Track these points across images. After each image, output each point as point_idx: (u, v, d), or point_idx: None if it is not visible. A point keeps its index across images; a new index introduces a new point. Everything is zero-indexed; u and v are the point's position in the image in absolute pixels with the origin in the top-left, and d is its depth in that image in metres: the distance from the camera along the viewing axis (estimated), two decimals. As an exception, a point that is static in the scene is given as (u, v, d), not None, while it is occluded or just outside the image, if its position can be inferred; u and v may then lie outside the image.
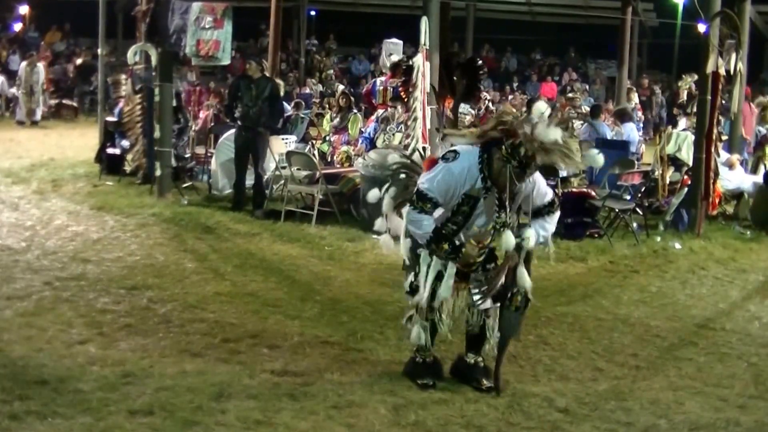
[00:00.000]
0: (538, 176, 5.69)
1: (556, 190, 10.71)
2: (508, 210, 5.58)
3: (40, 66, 22.97)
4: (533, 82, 30.55)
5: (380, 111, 12.90)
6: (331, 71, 29.05)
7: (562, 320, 7.51)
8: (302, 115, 16.21)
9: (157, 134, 12.09)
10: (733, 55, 11.27)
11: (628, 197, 11.51)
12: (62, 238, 9.60)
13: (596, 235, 10.84)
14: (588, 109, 20.13)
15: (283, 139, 13.48)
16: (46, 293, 7.47)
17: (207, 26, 11.58)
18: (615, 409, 5.61)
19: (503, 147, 5.37)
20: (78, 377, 5.60)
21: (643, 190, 11.65)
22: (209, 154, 13.49)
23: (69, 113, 24.39)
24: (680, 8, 28.33)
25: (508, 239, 5.50)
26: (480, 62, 5.72)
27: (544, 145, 5.25)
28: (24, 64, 22.93)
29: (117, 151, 13.94)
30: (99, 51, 17.86)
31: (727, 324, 7.67)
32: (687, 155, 12.27)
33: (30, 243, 9.28)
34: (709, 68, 11.07)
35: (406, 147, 10.23)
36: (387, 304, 7.53)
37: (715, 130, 11.18)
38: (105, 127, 15.12)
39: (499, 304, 5.81)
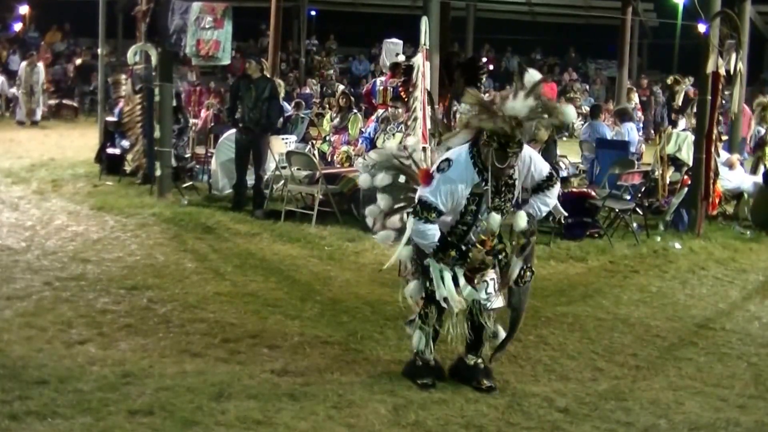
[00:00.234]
0: (533, 153, 5.74)
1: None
2: (507, 194, 5.61)
3: (40, 66, 22.96)
4: (533, 82, 30.46)
5: (380, 111, 12.90)
6: (332, 71, 29.09)
7: (562, 320, 7.51)
8: (302, 115, 16.21)
9: (157, 134, 12.08)
10: (733, 55, 11.26)
11: (628, 197, 11.51)
12: (62, 238, 9.60)
13: (596, 235, 10.83)
14: (588, 109, 20.18)
15: (283, 139, 13.49)
16: (46, 293, 7.47)
17: (207, 26, 11.57)
18: (615, 409, 5.61)
19: (485, 134, 5.39)
20: (78, 377, 5.60)
21: (643, 190, 11.66)
22: (209, 154, 13.49)
23: (69, 113, 24.40)
24: (680, 8, 28.33)
25: (494, 221, 5.59)
26: (485, 60, 5.70)
27: (518, 119, 5.27)
28: (24, 64, 22.93)
29: (117, 151, 13.94)
30: (99, 51, 17.86)
31: (727, 324, 7.67)
32: (687, 155, 12.27)
33: (30, 243, 9.28)
34: (709, 68, 11.06)
35: (406, 147, 10.23)
36: (387, 304, 7.52)
37: (715, 130, 11.17)
38: (105, 127, 15.12)
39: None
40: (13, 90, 23.12)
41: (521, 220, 5.62)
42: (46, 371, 5.67)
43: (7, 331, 6.45)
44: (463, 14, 27.37)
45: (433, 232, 5.52)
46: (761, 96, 17.30)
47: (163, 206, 11.33)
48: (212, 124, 15.45)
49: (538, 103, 5.31)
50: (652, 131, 24.81)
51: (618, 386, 6.04)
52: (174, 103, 12.95)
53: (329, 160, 13.39)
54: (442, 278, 5.62)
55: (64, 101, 24.79)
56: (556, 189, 5.85)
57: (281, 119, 13.75)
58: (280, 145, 12.69)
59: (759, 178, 12.69)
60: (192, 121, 15.39)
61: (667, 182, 12.42)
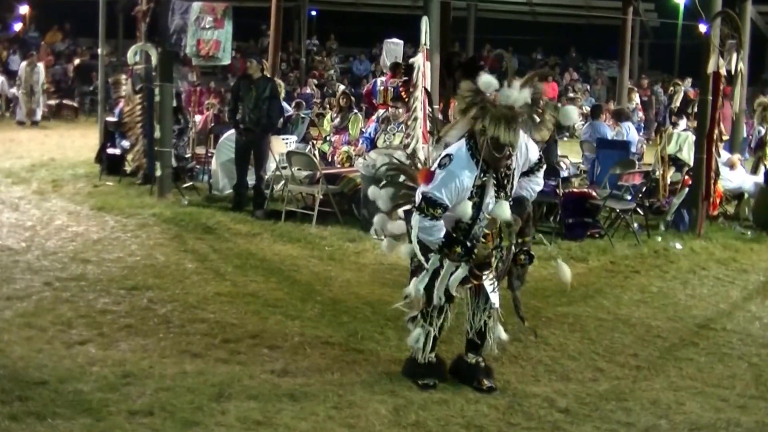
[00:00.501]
0: (528, 140, 5.73)
1: (557, 191, 10.72)
2: (508, 186, 5.63)
3: (40, 66, 22.95)
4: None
5: (381, 111, 12.90)
6: (332, 71, 29.10)
7: (562, 320, 7.50)
8: (303, 115, 16.21)
9: (157, 134, 12.08)
10: (734, 56, 11.25)
11: (629, 197, 11.50)
12: (62, 238, 9.59)
13: (597, 236, 10.83)
14: (589, 109, 20.17)
15: (283, 139, 13.48)
16: (46, 294, 7.47)
17: (207, 26, 11.56)
18: (616, 409, 5.61)
19: (481, 126, 5.39)
20: (78, 378, 5.60)
21: (643, 190, 11.65)
22: (209, 155, 13.48)
23: (69, 113, 24.39)
24: (681, 8, 28.34)
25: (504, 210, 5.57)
26: (505, 54, 5.62)
27: (511, 109, 5.30)
28: (24, 64, 22.91)
29: (117, 151, 13.93)
30: (99, 51, 17.85)
31: (727, 324, 7.67)
32: (688, 155, 12.27)
33: (30, 243, 9.27)
34: (710, 68, 11.06)
35: (407, 147, 10.24)
36: (388, 305, 7.48)
37: (715, 131, 11.17)
38: (105, 127, 15.12)
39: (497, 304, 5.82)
40: (13, 90, 23.10)
41: (505, 211, 5.58)
42: (46, 371, 5.66)
43: (7, 331, 6.45)
44: (463, 14, 27.42)
45: (439, 228, 5.51)
46: (762, 96, 17.30)
47: (164, 206, 11.32)
48: (212, 125, 15.44)
49: (534, 93, 5.34)
50: (653, 131, 24.79)
51: (619, 386, 6.04)
52: (174, 104, 12.94)
53: (330, 160, 13.39)
54: (449, 273, 5.61)
55: (65, 101, 24.77)
56: (543, 170, 5.92)
57: (282, 119, 13.75)
58: (281, 145, 12.68)
59: (760, 179, 12.69)
60: (198, 117, 15.40)
61: (668, 182, 12.42)
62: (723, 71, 11.11)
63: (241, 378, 5.75)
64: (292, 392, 5.55)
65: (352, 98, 15.31)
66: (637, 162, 13.54)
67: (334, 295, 7.97)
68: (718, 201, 11.81)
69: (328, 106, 18.83)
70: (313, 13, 32.64)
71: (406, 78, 11.72)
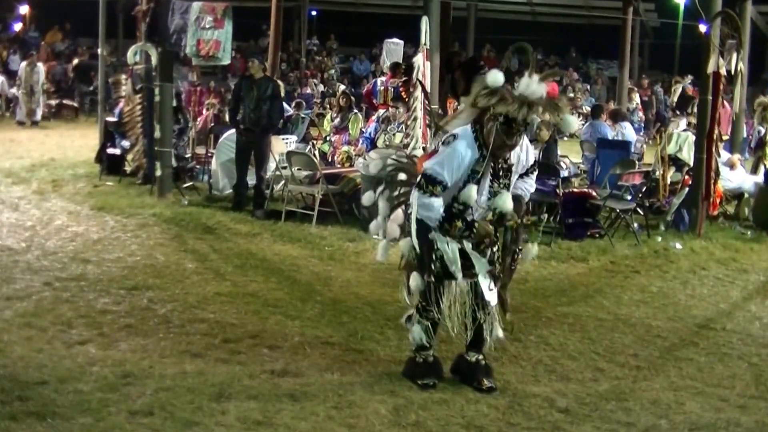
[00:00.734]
0: (528, 143, 5.84)
1: (558, 191, 10.72)
2: (504, 179, 5.64)
3: (40, 66, 22.94)
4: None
5: (381, 111, 12.90)
6: (333, 71, 29.09)
7: (563, 320, 7.50)
8: (303, 115, 16.21)
9: (157, 134, 12.07)
10: (734, 56, 11.26)
11: (629, 197, 11.50)
12: (62, 238, 9.59)
13: (597, 236, 10.82)
14: (589, 109, 20.17)
15: (283, 139, 13.48)
16: (46, 294, 7.47)
17: (207, 26, 11.56)
18: (616, 409, 5.61)
19: (490, 108, 5.43)
20: (78, 378, 5.59)
21: (644, 190, 11.65)
22: (209, 155, 13.48)
23: (70, 113, 24.39)
24: (681, 8, 28.34)
25: (506, 201, 5.61)
26: (531, 50, 5.63)
27: (527, 99, 5.35)
28: (24, 64, 22.89)
29: (117, 151, 13.92)
30: (99, 51, 17.85)
31: (727, 324, 7.67)
32: (688, 155, 12.27)
33: (30, 243, 9.27)
34: (710, 68, 11.06)
35: (407, 147, 10.25)
36: (388, 305, 7.51)
37: (715, 131, 11.17)
38: (105, 127, 15.12)
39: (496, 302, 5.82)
40: (13, 90, 23.09)
41: (508, 201, 5.63)
42: (46, 371, 5.66)
43: (7, 331, 6.44)
44: (464, 14, 27.43)
45: (439, 204, 5.51)
46: (762, 96, 17.31)
47: (164, 206, 11.32)
48: (212, 125, 15.44)
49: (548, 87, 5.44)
50: (653, 131, 24.79)
51: (619, 386, 6.04)
52: (174, 104, 12.94)
53: (330, 160, 13.40)
54: (449, 250, 5.60)
55: (65, 101, 24.77)
56: (535, 174, 6.00)
57: (282, 120, 13.77)
58: (281, 145, 12.69)
59: (760, 178, 12.69)
60: (204, 113, 15.41)
61: (668, 182, 12.41)
62: (723, 71, 11.11)
63: (241, 378, 5.75)
64: (292, 392, 5.55)
65: (352, 98, 15.31)
66: (637, 162, 13.54)
67: (334, 295, 7.97)
68: (718, 201, 11.81)
69: (328, 106, 18.83)
70: (314, 13, 32.65)
71: (405, 78, 11.72)
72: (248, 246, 9.72)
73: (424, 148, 9.76)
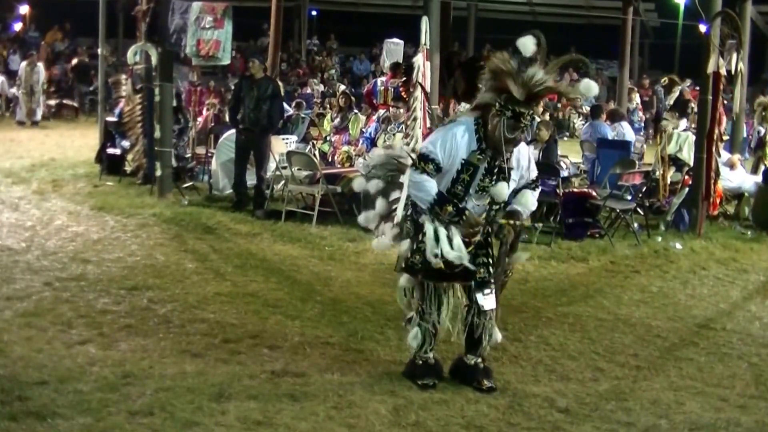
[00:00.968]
0: (532, 156, 5.87)
1: (558, 191, 10.72)
2: (498, 177, 5.62)
3: (40, 66, 22.93)
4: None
5: (381, 111, 12.90)
6: (333, 70, 29.09)
7: (563, 320, 7.50)
8: (303, 115, 16.21)
9: (157, 134, 12.07)
10: (734, 56, 11.26)
11: (629, 197, 11.51)
12: (62, 238, 9.59)
13: (597, 236, 10.83)
14: (589, 109, 20.17)
15: (283, 139, 13.48)
16: (46, 294, 7.46)
17: (207, 26, 11.56)
18: (616, 409, 5.61)
19: (497, 102, 5.45)
20: (78, 378, 5.59)
21: (644, 190, 11.65)
22: (210, 154, 13.48)
23: (70, 113, 24.39)
24: (681, 8, 28.34)
25: (502, 190, 5.61)
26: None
27: (537, 88, 5.40)
28: (24, 64, 22.89)
29: (117, 151, 13.93)
30: (99, 51, 17.85)
31: (727, 324, 7.67)
32: (688, 155, 12.27)
33: (30, 243, 9.27)
34: (710, 68, 11.05)
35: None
36: (388, 305, 7.51)
37: (716, 131, 11.17)
38: (105, 127, 15.12)
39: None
40: (13, 90, 23.09)
41: (504, 190, 5.63)
42: (46, 372, 5.66)
43: (7, 331, 6.44)
44: (464, 14, 27.44)
45: (431, 185, 5.53)
46: (762, 96, 17.32)
47: (164, 206, 11.32)
48: (212, 124, 15.44)
49: (555, 79, 5.51)
50: (653, 131, 24.80)
51: (619, 386, 6.04)
52: (174, 103, 12.94)
53: (330, 160, 13.40)
54: (437, 236, 5.59)
55: (65, 101, 24.76)
56: (537, 192, 5.93)
57: (282, 120, 13.76)
58: (281, 145, 12.69)
59: (760, 178, 12.69)
60: (204, 113, 15.41)
61: (668, 182, 12.41)
62: (723, 71, 11.11)
63: (241, 378, 5.75)
64: (292, 392, 5.55)
65: (352, 98, 15.31)
66: (637, 162, 13.54)
67: (334, 295, 7.97)
68: (718, 201, 11.81)
69: (328, 106, 18.83)
70: (314, 12, 32.66)
71: (405, 78, 11.72)
72: (248, 246, 9.72)
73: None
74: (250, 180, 11.78)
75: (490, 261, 5.82)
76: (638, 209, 11.52)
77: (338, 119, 14.30)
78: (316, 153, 13.45)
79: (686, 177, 12.00)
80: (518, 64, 5.47)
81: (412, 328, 5.90)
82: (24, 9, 29.72)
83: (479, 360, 5.91)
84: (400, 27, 24.74)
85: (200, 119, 15.57)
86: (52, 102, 24.16)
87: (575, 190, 11.60)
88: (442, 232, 5.58)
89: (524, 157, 5.75)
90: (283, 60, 26.72)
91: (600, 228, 10.94)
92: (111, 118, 14.93)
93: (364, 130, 13.32)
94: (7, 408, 5.07)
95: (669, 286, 8.91)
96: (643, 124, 23.30)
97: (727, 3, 11.91)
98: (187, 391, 5.44)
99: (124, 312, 7.07)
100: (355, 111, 14.52)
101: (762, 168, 13.34)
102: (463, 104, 6.68)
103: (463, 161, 5.55)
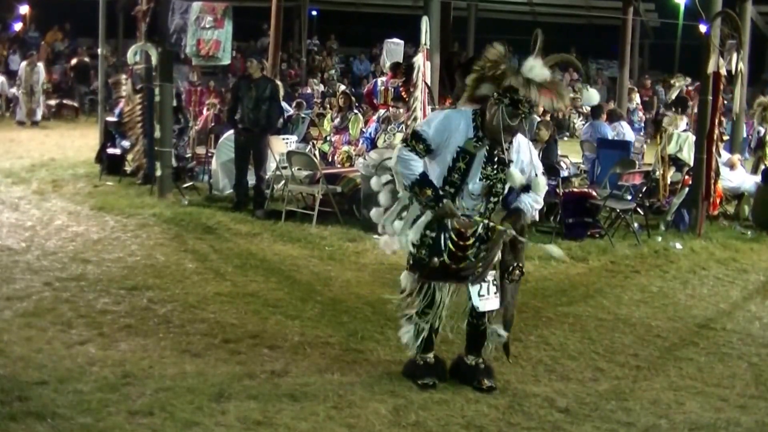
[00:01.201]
0: (534, 152, 5.85)
1: (558, 190, 10.72)
2: (499, 173, 5.62)
3: (40, 66, 22.93)
4: (535, 82, 30.52)
5: (381, 111, 12.90)
6: (333, 70, 29.08)
7: (563, 320, 7.50)
8: (303, 115, 16.21)
9: (157, 134, 12.07)
10: (734, 56, 11.26)
11: (629, 197, 11.51)
12: (62, 238, 9.59)
13: (597, 235, 10.83)
14: (589, 109, 20.16)
15: (283, 139, 13.48)
16: (46, 294, 7.46)
17: (207, 26, 11.55)
18: (616, 409, 5.61)
19: (495, 93, 5.49)
20: (78, 378, 5.59)
21: (644, 190, 11.65)
22: (210, 154, 13.48)
23: (70, 113, 24.39)
24: (681, 8, 28.33)
25: (515, 174, 5.60)
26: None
27: (534, 81, 5.41)
28: (24, 64, 22.89)
29: (117, 151, 13.93)
30: (99, 51, 17.85)
31: (727, 324, 7.67)
32: (688, 155, 12.27)
33: (30, 243, 9.27)
34: (710, 68, 11.05)
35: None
36: (388, 305, 7.46)
37: (716, 131, 11.17)
38: (105, 127, 15.12)
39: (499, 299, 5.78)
40: (13, 90, 23.08)
41: (518, 177, 5.63)
42: (46, 372, 5.66)
43: (7, 331, 6.44)
44: (464, 14, 27.40)
45: (416, 164, 5.56)
46: (762, 96, 17.32)
47: (164, 206, 11.32)
48: (213, 124, 15.44)
49: (553, 76, 5.48)
50: (653, 131, 24.80)
51: (619, 386, 6.04)
52: (174, 103, 12.94)
53: (330, 160, 13.40)
54: (416, 216, 5.66)
55: (65, 101, 24.76)
56: (545, 188, 5.87)
57: (282, 120, 13.76)
58: (281, 145, 12.69)
59: (760, 178, 12.69)
60: (204, 113, 15.41)
61: (668, 182, 12.42)
62: (723, 71, 11.11)
63: (241, 378, 5.75)
64: (292, 392, 5.55)
65: (352, 98, 15.31)
66: (637, 162, 13.54)
67: (334, 295, 7.97)
68: (718, 201, 11.82)
69: (328, 106, 18.83)
70: (314, 13, 32.62)
71: (406, 78, 11.72)
72: (248, 246, 9.71)
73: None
74: (250, 180, 11.78)
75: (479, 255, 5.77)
76: (638, 209, 11.52)
77: (338, 119, 14.30)
78: (316, 153, 13.45)
79: (686, 177, 11.99)
80: (514, 61, 5.51)
81: (406, 325, 5.90)
82: (24, 9, 29.70)
83: (480, 360, 5.91)
84: (400, 27, 24.71)
85: (200, 119, 15.57)
86: (52, 102, 24.15)
87: (575, 190, 11.60)
88: (414, 213, 5.68)
89: (525, 152, 5.71)
90: (284, 60, 26.71)
91: (600, 228, 10.94)
92: (111, 118, 14.93)
93: (364, 130, 13.31)
94: (7, 408, 5.07)
95: (669, 286, 8.91)
96: (643, 124, 23.29)
97: (727, 3, 11.91)
98: (187, 391, 5.44)
99: (124, 312, 7.07)
100: (355, 111, 14.52)
101: (762, 168, 13.33)
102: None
103: (459, 149, 5.56)
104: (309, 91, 24.68)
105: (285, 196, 11.49)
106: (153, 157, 12.26)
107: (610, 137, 14.71)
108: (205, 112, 16.01)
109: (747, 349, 7.00)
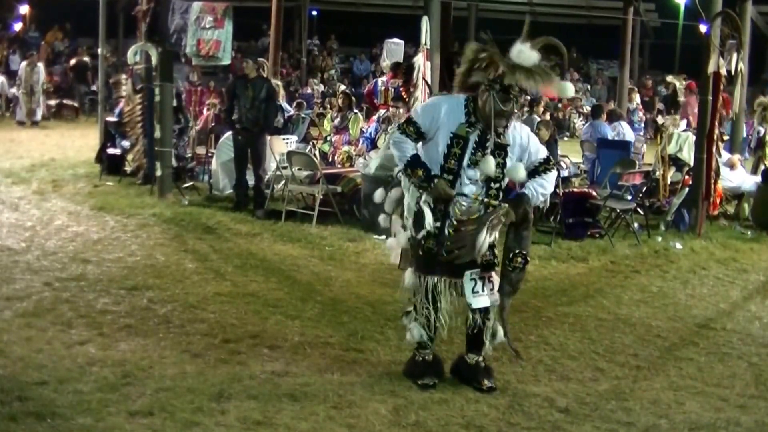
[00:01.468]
0: (532, 135, 5.87)
1: (558, 190, 10.72)
2: (497, 158, 5.63)
3: (41, 66, 22.93)
4: (535, 82, 30.54)
5: (382, 111, 12.90)
6: (333, 70, 29.07)
7: (563, 320, 7.50)
8: (303, 115, 16.20)
9: (157, 134, 12.07)
10: (734, 56, 11.26)
11: (629, 197, 11.51)
12: (62, 238, 9.59)
13: (597, 235, 10.83)
14: (589, 109, 20.17)
15: (284, 139, 13.48)
16: (45, 294, 7.46)
17: (207, 26, 11.56)
18: (616, 409, 5.61)
19: (485, 80, 5.57)
20: (78, 378, 5.59)
21: (644, 190, 11.65)
22: (210, 154, 13.48)
23: (70, 113, 24.39)
24: (682, 8, 28.33)
25: (489, 164, 5.58)
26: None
27: (523, 66, 5.49)
28: (24, 64, 22.89)
29: (117, 151, 13.93)
30: (99, 51, 17.85)
31: (727, 324, 7.67)
32: (688, 155, 12.27)
33: (30, 243, 9.27)
34: (711, 69, 11.06)
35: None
36: (388, 305, 7.51)
37: (716, 131, 11.17)
38: (105, 127, 15.12)
39: (498, 296, 5.77)
40: (13, 90, 23.09)
41: (520, 172, 5.65)
42: (46, 372, 5.66)
43: (7, 331, 6.44)
44: (464, 14, 27.42)
45: (408, 146, 5.69)
46: (762, 96, 17.32)
47: (164, 206, 11.32)
48: (213, 124, 15.43)
49: (541, 60, 5.55)
50: (653, 131, 24.79)
51: (619, 386, 6.04)
52: (174, 103, 12.94)
53: (330, 160, 13.40)
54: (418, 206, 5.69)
55: (65, 101, 24.76)
56: (553, 175, 5.84)
57: (282, 120, 13.76)
58: (281, 145, 12.68)
59: (760, 178, 12.69)
60: (205, 113, 15.41)
61: (668, 182, 12.42)
62: (723, 71, 11.11)
63: (241, 378, 5.75)
64: (292, 392, 5.55)
65: (352, 98, 15.30)
66: (638, 162, 13.54)
67: (334, 295, 7.96)
68: (718, 201, 11.82)
69: (328, 106, 18.82)
70: (314, 13, 32.63)
71: (406, 78, 11.72)
72: (248, 246, 9.71)
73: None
74: (250, 180, 11.77)
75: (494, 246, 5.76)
76: (638, 209, 11.53)
77: (338, 119, 14.30)
78: (317, 153, 13.44)
79: (686, 177, 12.00)
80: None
81: (408, 323, 5.90)
82: (24, 9, 29.70)
83: (480, 359, 5.91)
84: (400, 27, 24.73)
85: (200, 119, 15.56)
86: (52, 102, 24.15)
87: (575, 190, 11.61)
88: (414, 196, 5.73)
89: (523, 136, 5.74)
90: (284, 60, 26.71)
91: (600, 228, 10.94)
92: (111, 118, 14.93)
93: (364, 130, 13.31)
94: (7, 408, 5.07)
95: (669, 286, 8.91)
96: (643, 124, 23.29)
97: (727, 3, 11.91)
98: (187, 391, 5.44)
99: (124, 312, 7.07)
100: (355, 111, 14.51)
101: (762, 168, 13.33)
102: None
103: (452, 135, 5.63)
104: (309, 91, 24.68)
105: (285, 196, 11.48)
106: (153, 157, 12.26)
107: (610, 137, 14.70)
108: (205, 112, 15.99)
109: (747, 349, 7.00)
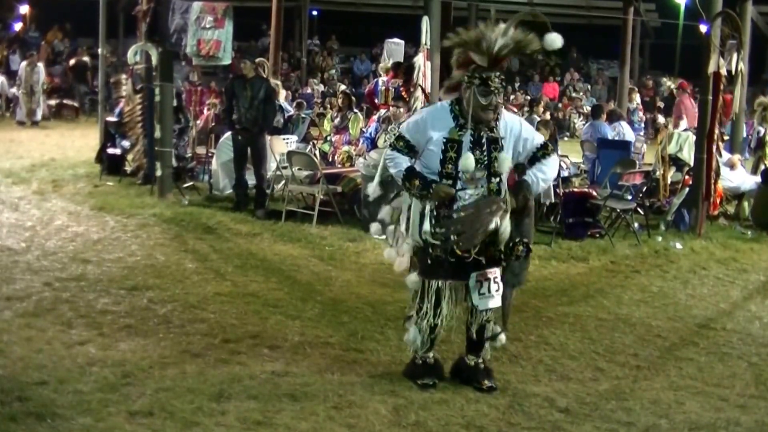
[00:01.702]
0: (524, 122, 5.92)
1: (558, 190, 10.72)
2: (492, 152, 5.62)
3: (41, 66, 22.93)
4: (535, 82, 30.58)
5: (382, 111, 12.89)
6: (333, 70, 29.07)
7: (563, 320, 7.50)
8: (303, 115, 16.20)
9: (157, 134, 12.07)
10: (735, 56, 11.26)
11: (630, 197, 11.50)
12: (62, 238, 9.59)
13: (597, 235, 10.83)
14: (590, 109, 20.16)
15: (284, 139, 13.48)
16: (45, 294, 7.46)
17: (208, 26, 11.56)
18: (616, 409, 5.61)
19: (465, 76, 5.62)
20: (78, 378, 5.59)
21: (644, 190, 11.65)
22: (210, 154, 13.48)
23: (70, 113, 24.39)
24: (682, 8, 28.34)
25: (468, 161, 5.56)
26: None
27: (497, 52, 5.55)
28: (24, 64, 22.90)
29: (117, 151, 13.93)
30: (99, 51, 17.85)
31: (728, 324, 7.67)
32: (688, 155, 12.27)
33: (30, 243, 9.27)
34: (711, 69, 11.05)
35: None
36: (388, 305, 7.52)
37: (716, 131, 11.17)
38: (105, 127, 15.12)
39: (501, 295, 5.76)
40: (13, 90, 23.09)
41: (505, 163, 5.64)
42: (46, 372, 5.66)
43: (7, 331, 6.44)
44: (464, 14, 27.38)
45: (401, 161, 5.70)
46: (762, 96, 17.32)
47: (164, 206, 11.32)
48: (213, 124, 15.43)
49: (518, 34, 5.64)
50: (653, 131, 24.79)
51: (619, 386, 6.04)
52: (175, 103, 12.94)
53: (330, 160, 13.39)
54: (420, 216, 5.69)
55: (65, 101, 24.76)
56: (553, 160, 5.81)
57: (281, 120, 13.76)
58: (281, 145, 12.68)
59: (760, 178, 12.68)
60: (205, 113, 15.42)
61: (669, 182, 12.42)
62: (723, 71, 11.11)
63: (241, 378, 5.74)
64: (292, 392, 5.55)
65: (353, 98, 15.30)
66: (638, 162, 13.54)
67: (334, 295, 7.97)
68: (718, 201, 11.82)
69: (328, 105, 18.82)
70: (314, 13, 32.64)
71: (406, 78, 11.72)
72: (248, 246, 9.72)
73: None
74: (250, 180, 11.77)
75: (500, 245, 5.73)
76: (638, 209, 11.52)
77: (338, 119, 14.29)
78: (317, 153, 13.44)
79: (686, 177, 11.99)
80: (481, 31, 5.57)
81: (410, 327, 5.89)
82: (24, 9, 29.70)
83: (480, 360, 5.91)
84: (400, 27, 24.70)
85: (201, 119, 15.56)
86: (52, 102, 24.15)
87: (575, 190, 11.59)
88: (417, 208, 5.71)
89: (515, 126, 5.73)
90: (284, 60, 26.71)
91: (600, 228, 10.94)
92: (111, 118, 14.93)
93: (364, 130, 13.31)
94: (7, 408, 5.07)
95: (669, 286, 8.91)
96: (643, 124, 23.29)
97: (727, 3, 11.91)
98: (187, 391, 5.44)
99: (124, 312, 7.07)
100: (355, 111, 14.51)
101: (762, 168, 13.33)
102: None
103: (445, 139, 5.63)
104: (309, 91, 24.68)
105: (285, 196, 11.48)
106: (153, 157, 12.26)
107: (610, 137, 14.69)
108: (205, 112, 16.00)
109: (747, 349, 7.00)
